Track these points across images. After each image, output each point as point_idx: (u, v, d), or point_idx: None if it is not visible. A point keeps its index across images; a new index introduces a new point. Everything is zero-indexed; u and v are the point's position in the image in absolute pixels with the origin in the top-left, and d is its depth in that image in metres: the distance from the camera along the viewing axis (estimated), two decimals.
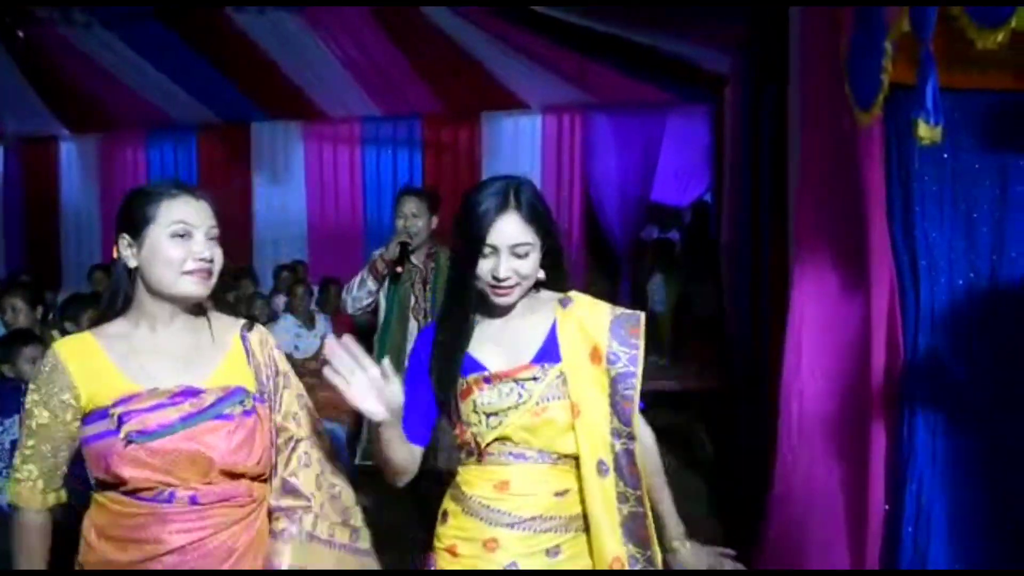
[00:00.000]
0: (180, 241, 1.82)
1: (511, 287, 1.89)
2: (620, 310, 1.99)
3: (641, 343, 1.94)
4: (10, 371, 3.80)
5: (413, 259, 3.98)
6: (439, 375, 1.96)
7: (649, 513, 1.94)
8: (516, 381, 1.91)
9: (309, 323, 6.14)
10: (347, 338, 1.72)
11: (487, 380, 1.92)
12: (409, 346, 3.77)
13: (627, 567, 1.89)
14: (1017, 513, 2.51)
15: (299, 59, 7.83)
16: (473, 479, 1.96)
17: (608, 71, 7.57)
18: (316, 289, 6.82)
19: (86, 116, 9.49)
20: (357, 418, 3.68)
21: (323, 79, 8.21)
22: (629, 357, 1.92)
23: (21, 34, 7.48)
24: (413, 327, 3.92)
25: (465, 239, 1.89)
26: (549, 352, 1.94)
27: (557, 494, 1.91)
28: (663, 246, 8.92)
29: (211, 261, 1.86)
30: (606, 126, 8.52)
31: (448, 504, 2.02)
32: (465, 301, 1.95)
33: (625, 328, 1.95)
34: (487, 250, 1.87)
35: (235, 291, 7.54)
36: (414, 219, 3.94)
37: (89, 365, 1.80)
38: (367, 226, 9.08)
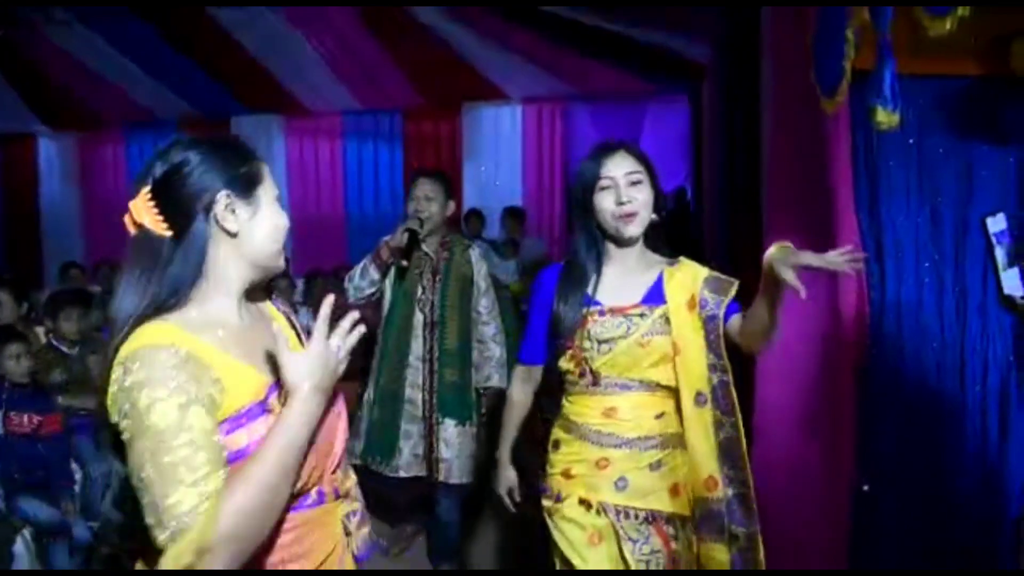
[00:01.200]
0: (280, 208, 1.55)
1: (633, 213, 2.16)
2: (716, 273, 2.24)
3: (728, 297, 2.16)
4: None
5: (425, 247, 3.66)
6: (564, 305, 2.22)
7: (743, 437, 2.17)
8: (626, 316, 2.18)
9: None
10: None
11: (601, 313, 2.19)
12: (414, 340, 3.64)
13: (720, 486, 2.17)
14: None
15: (279, 53, 7.84)
16: (583, 408, 2.24)
17: (587, 62, 7.61)
18: (301, 282, 6.83)
19: (65, 113, 9.46)
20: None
21: (303, 73, 8.23)
22: (715, 302, 2.16)
23: (0, 31, 7.46)
24: (419, 320, 3.65)
25: (582, 183, 2.20)
26: (655, 296, 2.21)
27: (656, 416, 2.20)
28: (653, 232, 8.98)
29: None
30: (586, 116, 8.60)
31: (559, 433, 2.30)
32: (592, 247, 2.24)
33: (718, 284, 2.19)
34: (605, 182, 2.16)
35: None
36: (427, 203, 3.61)
37: (210, 356, 1.39)
38: (348, 219, 9.13)
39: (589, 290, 2.23)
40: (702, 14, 5.30)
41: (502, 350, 3.72)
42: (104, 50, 7.86)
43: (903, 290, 2.78)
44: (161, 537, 1.25)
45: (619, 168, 2.17)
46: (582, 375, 2.21)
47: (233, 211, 1.45)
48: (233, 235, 1.46)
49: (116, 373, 1.34)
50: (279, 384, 1.43)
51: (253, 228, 1.48)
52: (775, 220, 2.99)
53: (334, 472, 1.55)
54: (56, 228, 10.28)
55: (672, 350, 2.17)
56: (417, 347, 3.66)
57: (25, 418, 3.87)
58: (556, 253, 8.41)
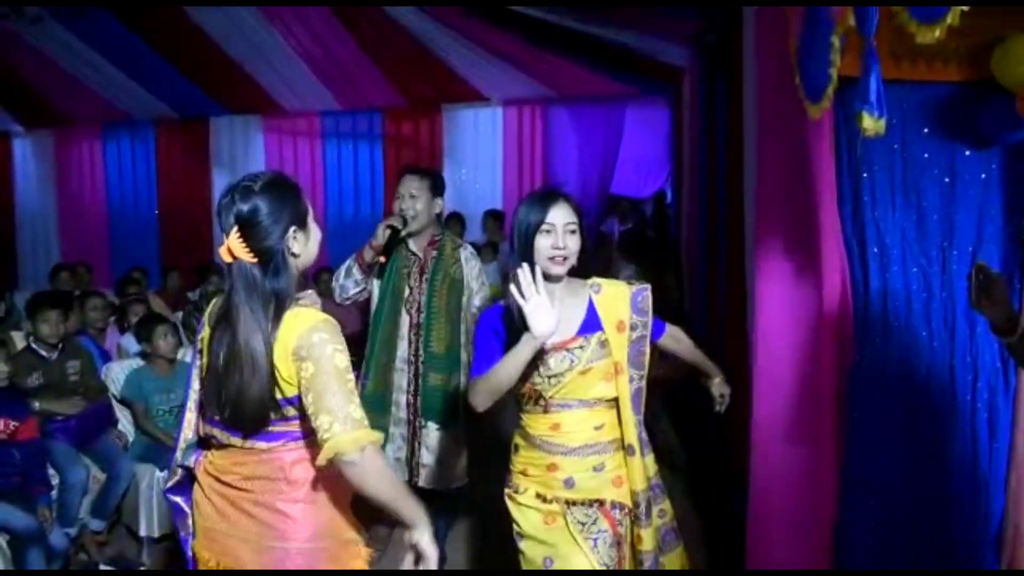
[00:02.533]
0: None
1: (565, 257, 2.46)
2: (634, 287, 2.60)
3: (650, 312, 2.58)
4: None
5: (412, 245, 3.63)
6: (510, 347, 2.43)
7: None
8: (568, 350, 2.49)
9: None
10: (527, 267, 2.30)
11: (546, 351, 2.44)
12: (400, 342, 3.62)
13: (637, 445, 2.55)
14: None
15: (257, 54, 7.77)
16: (534, 423, 2.58)
17: (567, 64, 7.61)
18: None
19: (40, 112, 9.34)
20: None
21: (282, 74, 8.17)
22: (643, 324, 2.57)
23: None
24: (405, 321, 3.63)
25: (527, 224, 2.45)
26: (590, 324, 2.53)
27: (596, 428, 2.55)
28: (629, 237, 9.00)
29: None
30: (566, 119, 8.60)
31: (517, 439, 2.65)
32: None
33: (640, 302, 2.57)
34: (547, 227, 2.43)
35: (200, 287, 7.51)
36: (412, 200, 3.56)
37: None
38: (328, 220, 9.05)
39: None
40: (679, 17, 5.32)
41: None
42: (79, 49, 7.76)
43: (889, 295, 2.79)
44: (337, 427, 1.94)
45: (560, 217, 2.45)
46: (536, 402, 2.55)
47: (296, 239, 2.07)
48: (296, 255, 2.09)
49: (304, 337, 1.99)
50: None
51: (307, 246, 2.13)
52: (762, 224, 2.99)
53: None
54: (32, 227, 10.16)
55: (614, 370, 2.53)
56: (403, 349, 3.62)
57: (1, 423, 3.81)
58: None
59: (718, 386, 2.90)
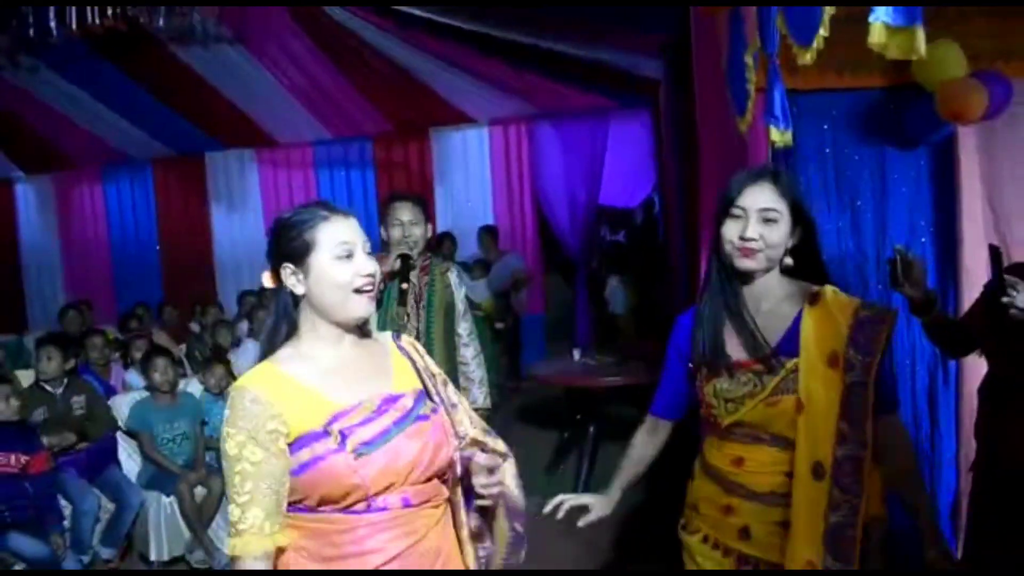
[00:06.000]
0: (345, 262, 1.78)
1: (756, 250, 1.95)
2: (865, 311, 1.92)
3: (879, 348, 1.88)
4: None
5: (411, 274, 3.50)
6: (700, 360, 2.05)
7: (860, 525, 1.88)
8: (754, 372, 1.97)
9: None
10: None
11: (728, 367, 2.00)
12: None
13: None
14: None
15: (246, 89, 8.02)
16: (714, 451, 2.08)
17: (549, 82, 7.81)
18: None
19: (40, 157, 9.61)
20: None
21: (272, 107, 8.41)
22: (863, 365, 1.88)
23: None
24: None
25: (718, 206, 2.00)
26: (789, 344, 1.96)
27: (787, 474, 1.95)
28: (614, 249, 9.17)
29: (373, 275, 1.81)
30: (551, 135, 8.77)
31: (696, 465, 2.18)
32: (724, 288, 2.04)
33: (866, 334, 1.89)
34: (736, 211, 1.96)
35: (201, 319, 7.73)
36: (412, 227, 3.45)
37: (283, 391, 1.73)
38: None
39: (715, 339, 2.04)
40: (649, 32, 5.50)
41: (483, 371, 3.66)
42: (74, 94, 8.02)
43: None
44: (230, 532, 1.67)
45: (754, 201, 1.96)
46: (713, 426, 2.07)
47: (296, 276, 1.78)
48: (301, 296, 1.79)
49: None
50: (348, 412, 1.74)
51: (317, 287, 1.77)
52: (706, 229, 3.17)
53: (416, 484, 1.78)
54: (37, 270, 10.41)
55: (797, 406, 1.93)
56: None
57: (12, 457, 4.02)
58: (532, 266, 8.62)
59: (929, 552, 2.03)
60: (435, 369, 2.00)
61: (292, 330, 1.82)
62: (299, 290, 1.78)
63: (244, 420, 1.68)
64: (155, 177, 9.91)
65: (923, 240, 2.93)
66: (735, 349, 2.01)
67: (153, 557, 4.55)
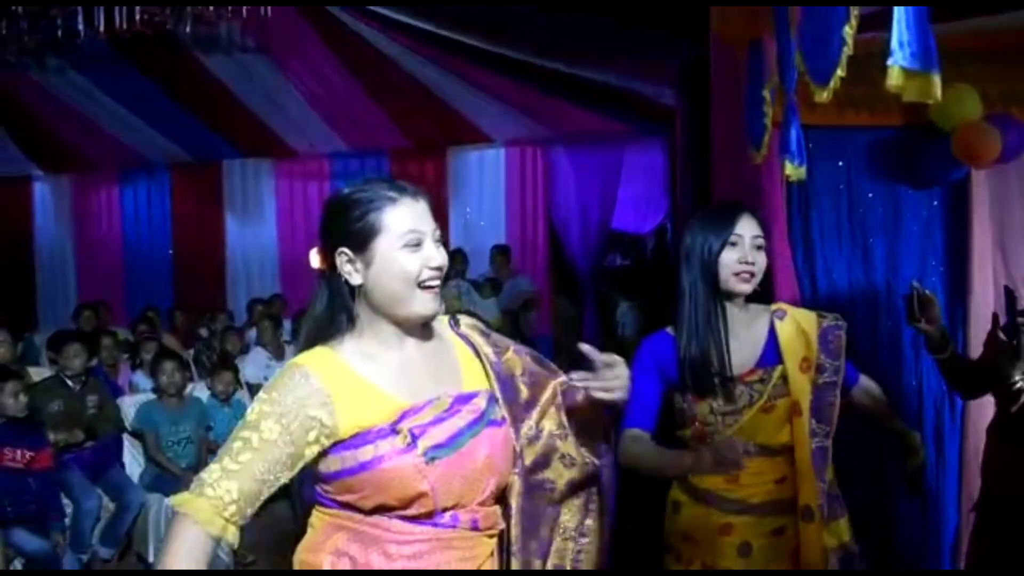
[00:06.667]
0: (413, 251, 1.56)
1: (753, 275, 2.12)
2: (825, 321, 2.20)
3: (842, 354, 2.17)
4: None
5: None
6: (702, 379, 2.14)
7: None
8: (746, 384, 2.14)
9: (279, 354, 6.34)
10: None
11: (724, 382, 2.13)
12: None
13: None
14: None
15: (267, 99, 8.10)
16: (704, 474, 2.09)
17: (566, 105, 7.86)
18: (291, 322, 7.02)
19: (59, 157, 9.66)
20: None
21: (291, 118, 8.47)
22: (833, 368, 2.16)
23: None
24: None
25: (709, 239, 2.12)
26: (770, 355, 2.16)
27: (777, 481, 2.14)
28: (625, 274, 9.18)
29: (442, 268, 1.59)
30: (566, 158, 8.81)
31: (678, 495, 2.23)
32: (712, 312, 2.15)
33: (831, 339, 2.18)
34: (735, 239, 2.11)
35: (210, 325, 7.77)
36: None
37: (342, 381, 1.55)
38: None
39: (713, 360, 2.14)
40: (664, 60, 5.54)
41: None
42: (97, 97, 8.09)
43: None
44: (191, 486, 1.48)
45: (748, 229, 2.14)
46: (704, 443, 2.12)
47: (353, 265, 1.57)
48: (357, 286, 1.58)
49: None
50: (419, 410, 1.56)
51: (379, 278, 1.56)
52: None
53: (485, 504, 1.60)
54: (50, 270, 10.44)
55: (793, 410, 2.13)
56: None
57: (18, 453, 4.05)
58: (542, 288, 8.64)
59: (913, 459, 2.37)
60: (502, 343, 1.76)
61: (351, 323, 1.60)
62: (355, 280, 1.57)
63: (283, 394, 1.51)
64: (172, 182, 9.96)
65: (933, 279, 2.95)
66: (732, 365, 2.14)
67: (151, 558, 4.56)
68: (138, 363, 6.00)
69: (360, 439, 1.52)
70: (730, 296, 2.14)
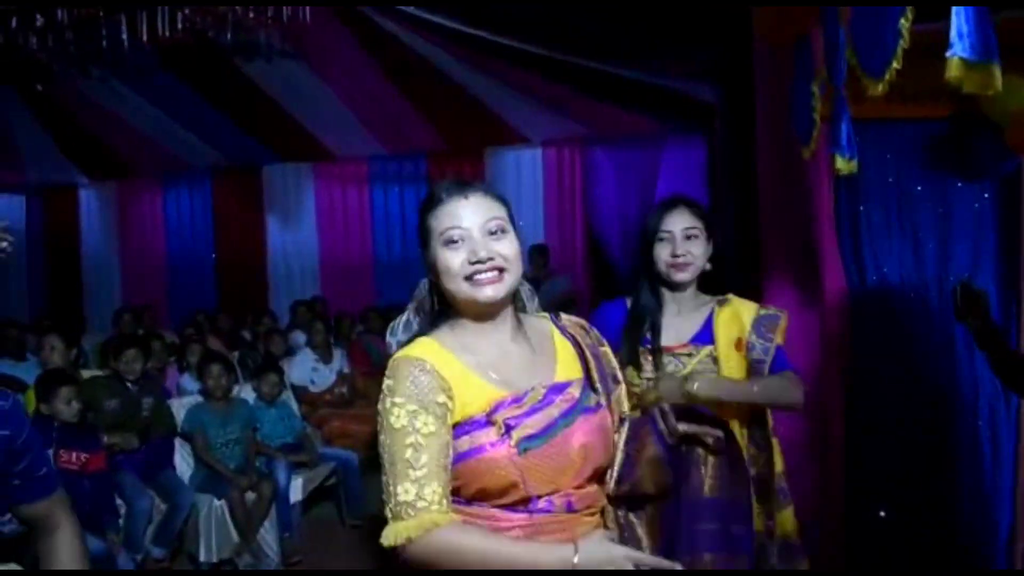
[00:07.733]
0: (453, 248, 1.64)
1: (687, 264, 2.33)
2: (764, 311, 2.40)
3: (776, 337, 2.34)
4: (46, 409, 4.10)
5: None
6: (625, 344, 2.36)
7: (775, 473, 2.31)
8: (674, 355, 2.36)
9: (327, 357, 6.39)
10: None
11: (652, 352, 2.35)
12: None
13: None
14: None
15: (306, 104, 8.17)
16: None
17: (603, 105, 7.84)
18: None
19: (104, 164, 9.88)
20: (370, 447, 3.63)
21: (330, 122, 8.54)
22: (762, 347, 2.34)
23: (40, 88, 7.84)
24: None
25: (646, 234, 2.38)
26: (704, 336, 2.37)
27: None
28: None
29: (491, 259, 1.63)
30: (604, 158, 8.78)
31: None
32: (653, 293, 2.40)
33: (765, 324, 2.36)
34: (664, 234, 2.35)
35: (254, 328, 7.87)
36: None
37: (450, 367, 1.61)
38: (376, 261, 9.39)
39: (645, 330, 2.38)
40: (704, 58, 5.51)
41: None
42: (140, 105, 8.25)
43: (889, 321, 2.95)
44: (387, 513, 1.54)
45: (677, 223, 2.35)
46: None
47: (427, 263, 1.70)
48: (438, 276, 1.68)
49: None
50: (514, 401, 1.61)
51: (438, 276, 1.67)
52: (769, 259, 3.18)
53: (581, 488, 1.65)
54: (96, 275, 10.66)
55: None
56: None
57: (73, 455, 4.12)
58: (581, 288, 8.63)
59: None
60: (603, 339, 1.87)
61: (447, 316, 1.71)
62: (433, 276, 1.70)
63: (413, 388, 1.55)
64: (214, 187, 10.10)
65: (986, 273, 2.90)
66: (661, 338, 2.37)
67: (202, 558, 4.63)
68: (185, 366, 6.08)
69: (460, 429, 1.58)
70: (671, 284, 2.37)
